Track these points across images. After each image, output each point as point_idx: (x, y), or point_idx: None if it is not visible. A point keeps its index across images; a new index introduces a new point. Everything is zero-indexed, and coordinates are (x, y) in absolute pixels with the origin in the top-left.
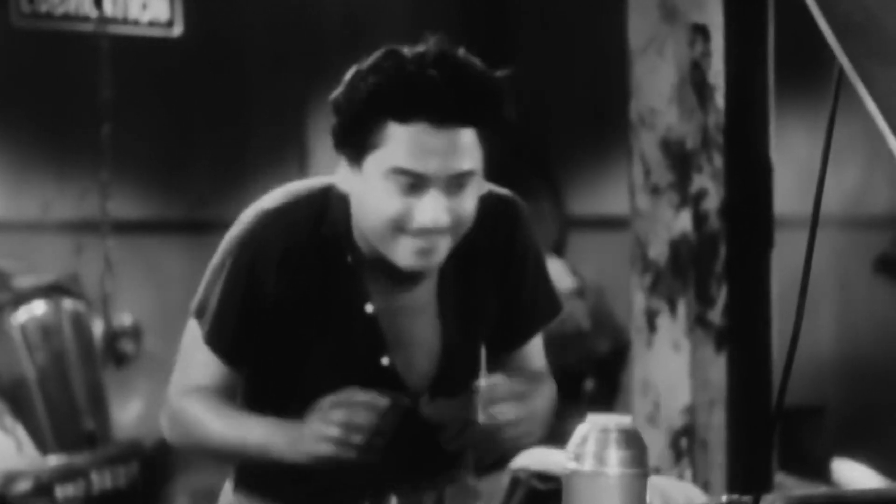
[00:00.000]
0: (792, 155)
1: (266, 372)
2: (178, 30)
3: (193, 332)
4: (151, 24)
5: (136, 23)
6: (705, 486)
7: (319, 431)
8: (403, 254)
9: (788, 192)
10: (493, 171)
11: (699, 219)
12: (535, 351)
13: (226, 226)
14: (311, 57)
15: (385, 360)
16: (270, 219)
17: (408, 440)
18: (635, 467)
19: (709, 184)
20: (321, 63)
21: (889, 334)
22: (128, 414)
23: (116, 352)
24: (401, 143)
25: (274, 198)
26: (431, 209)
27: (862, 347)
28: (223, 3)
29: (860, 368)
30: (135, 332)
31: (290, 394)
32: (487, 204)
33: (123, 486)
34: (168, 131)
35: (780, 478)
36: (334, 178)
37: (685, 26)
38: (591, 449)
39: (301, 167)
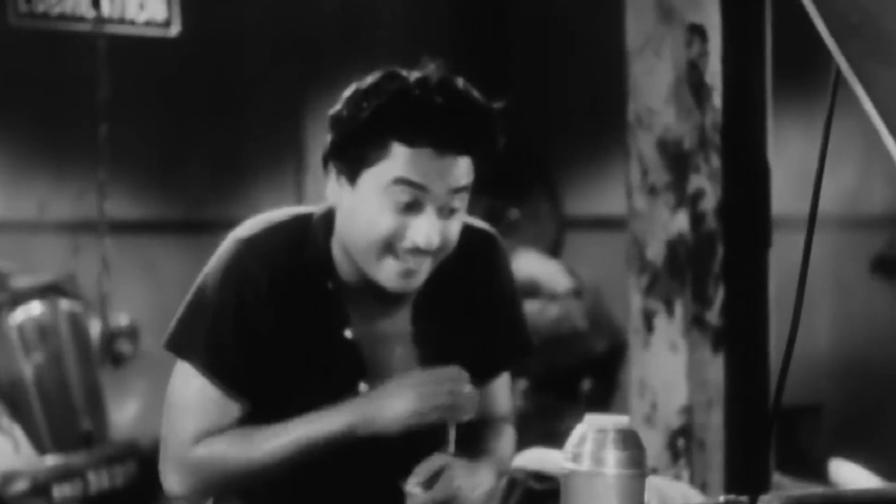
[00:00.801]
0: (789, 155)
1: (251, 400)
2: (175, 30)
3: (182, 377)
4: (148, 23)
5: (132, 23)
6: (703, 487)
7: (407, 393)
8: (388, 274)
9: (786, 193)
10: (491, 173)
11: (696, 219)
12: (501, 392)
13: (223, 226)
14: (308, 58)
15: (363, 386)
16: (249, 247)
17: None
18: (633, 468)
19: (706, 184)
20: (318, 64)
21: (886, 334)
22: (125, 414)
23: (113, 352)
24: (404, 158)
25: (249, 227)
26: (426, 228)
27: (859, 347)
28: (220, 3)
29: (857, 368)
30: (132, 333)
31: (269, 419)
32: (466, 236)
33: (120, 486)
34: (165, 131)
35: (777, 478)
36: (315, 206)
37: (682, 27)
38: (588, 449)
39: (298, 168)
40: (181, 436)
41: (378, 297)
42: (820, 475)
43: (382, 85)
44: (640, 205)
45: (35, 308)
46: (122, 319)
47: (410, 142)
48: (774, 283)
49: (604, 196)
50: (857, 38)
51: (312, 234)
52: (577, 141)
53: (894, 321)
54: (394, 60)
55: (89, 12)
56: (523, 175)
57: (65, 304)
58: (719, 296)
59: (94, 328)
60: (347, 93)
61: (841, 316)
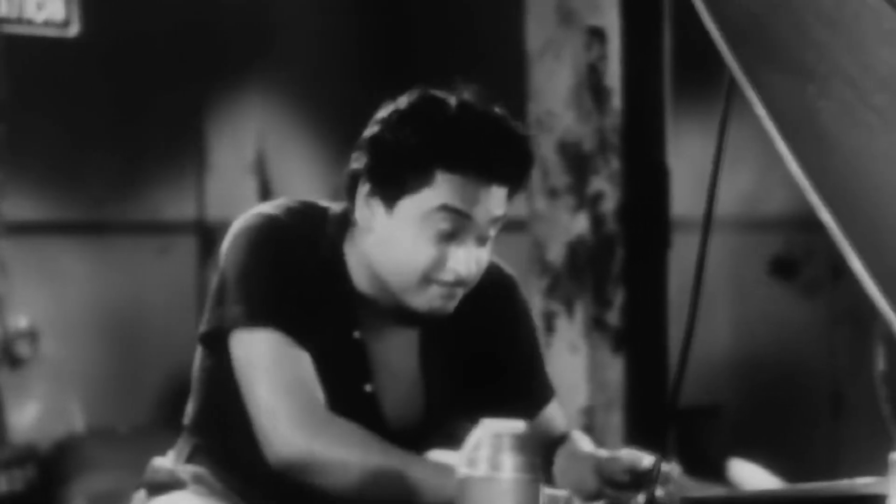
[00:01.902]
0: (688, 157)
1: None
2: (74, 30)
3: (255, 348)
4: (47, 23)
5: (30, 22)
6: None
7: None
8: (425, 300)
9: (685, 194)
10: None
11: (597, 221)
12: (556, 413)
13: (124, 227)
14: (209, 58)
15: (368, 388)
16: (272, 221)
17: None
18: (529, 473)
19: (606, 186)
20: (220, 66)
21: (783, 335)
22: (24, 417)
23: (12, 354)
24: (448, 185)
25: (266, 207)
26: (465, 259)
27: (757, 348)
28: (121, 3)
29: (755, 369)
30: (31, 335)
31: None
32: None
33: (20, 490)
34: (65, 132)
35: None
36: (332, 207)
37: (582, 30)
38: (484, 454)
39: (199, 169)
40: (304, 399)
41: (394, 314)
42: (719, 475)
43: (425, 109)
44: (540, 207)
45: None
46: (20, 321)
47: (457, 170)
48: (674, 284)
49: None
50: (748, 43)
51: (328, 232)
52: None
53: (791, 322)
54: (297, 62)
55: None
56: None
57: None
58: (619, 297)
59: None
60: (384, 114)
61: (739, 317)
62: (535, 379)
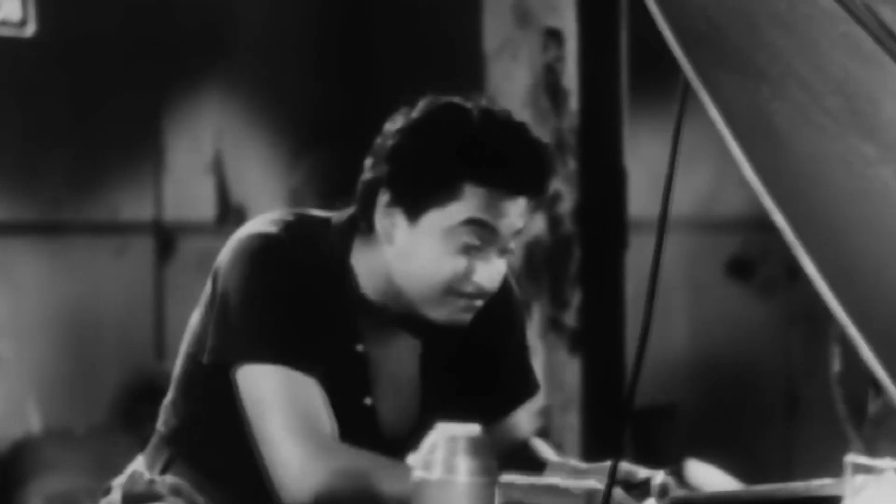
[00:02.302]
0: (645, 157)
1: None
2: (30, 29)
3: (263, 381)
4: (3, 23)
5: None
6: None
7: None
8: (446, 312)
9: (642, 195)
10: (349, 179)
11: (553, 222)
12: (522, 418)
13: (80, 228)
14: (166, 58)
15: (368, 401)
16: (268, 241)
17: None
18: (484, 476)
19: (563, 187)
20: (178, 66)
21: (740, 335)
22: None
23: None
24: (476, 199)
25: (261, 223)
26: (489, 272)
27: (713, 348)
28: (78, 3)
29: (712, 369)
30: None
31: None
32: None
33: None
34: (21, 132)
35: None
36: (336, 216)
37: (539, 31)
38: (440, 457)
39: (156, 169)
40: (313, 438)
41: (402, 322)
42: (676, 475)
43: (448, 120)
44: None
45: None
46: None
47: (486, 182)
48: (631, 284)
49: None
50: (702, 45)
51: (331, 242)
52: None
53: (748, 322)
54: (255, 61)
55: None
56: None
57: None
58: (576, 298)
59: None
60: (403, 124)
61: (696, 317)
62: (528, 381)
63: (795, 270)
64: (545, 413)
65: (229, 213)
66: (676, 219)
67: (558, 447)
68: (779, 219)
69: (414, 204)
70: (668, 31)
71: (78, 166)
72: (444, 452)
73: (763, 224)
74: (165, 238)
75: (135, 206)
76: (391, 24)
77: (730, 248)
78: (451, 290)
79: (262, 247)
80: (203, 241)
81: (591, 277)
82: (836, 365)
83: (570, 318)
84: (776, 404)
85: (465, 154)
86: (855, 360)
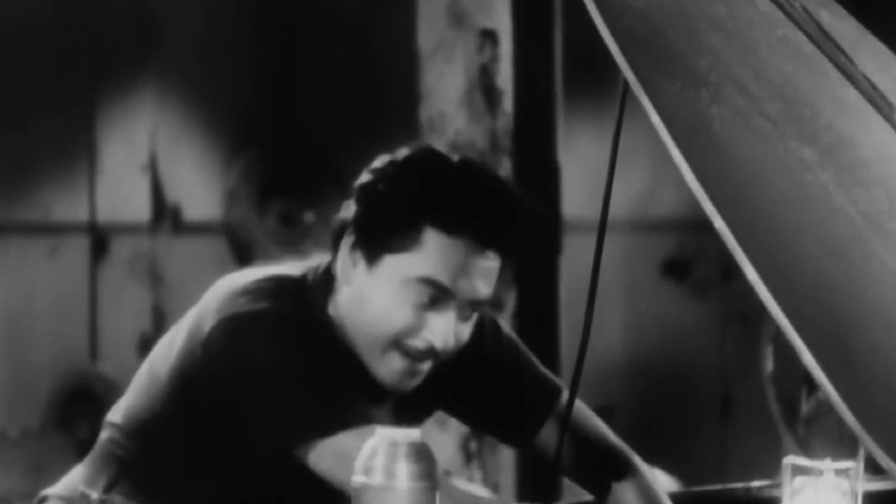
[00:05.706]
0: (580, 159)
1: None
2: None
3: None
4: None
5: None
6: (495, 487)
7: None
8: (389, 371)
9: (577, 196)
10: (283, 177)
11: None
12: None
13: (13, 229)
14: (99, 58)
15: None
16: (267, 319)
17: None
18: (424, 480)
19: None
20: (111, 66)
21: (675, 335)
22: None
23: None
24: (436, 253)
25: (250, 294)
26: (443, 331)
27: (649, 349)
28: (8, 2)
29: (648, 370)
30: None
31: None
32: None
33: None
34: None
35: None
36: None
37: (474, 31)
38: (380, 463)
39: (90, 170)
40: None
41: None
42: None
43: (424, 162)
44: None
45: None
46: None
47: (450, 230)
48: (566, 286)
49: None
50: (641, 50)
51: (310, 302)
52: (368, 143)
53: (683, 323)
54: (188, 62)
55: None
56: (315, 177)
57: None
58: (511, 301)
59: None
60: (379, 164)
61: (632, 318)
62: (548, 388)
63: (729, 270)
64: None
65: (164, 214)
66: (612, 220)
67: (492, 447)
68: (719, 224)
69: (373, 245)
70: (608, 35)
71: (11, 167)
72: (385, 458)
73: (698, 225)
74: (99, 239)
75: (68, 207)
76: (325, 23)
77: (664, 249)
78: (398, 344)
79: (257, 332)
80: (138, 241)
81: (525, 280)
82: (769, 365)
83: (505, 322)
84: (710, 405)
85: (431, 196)
86: (788, 360)
